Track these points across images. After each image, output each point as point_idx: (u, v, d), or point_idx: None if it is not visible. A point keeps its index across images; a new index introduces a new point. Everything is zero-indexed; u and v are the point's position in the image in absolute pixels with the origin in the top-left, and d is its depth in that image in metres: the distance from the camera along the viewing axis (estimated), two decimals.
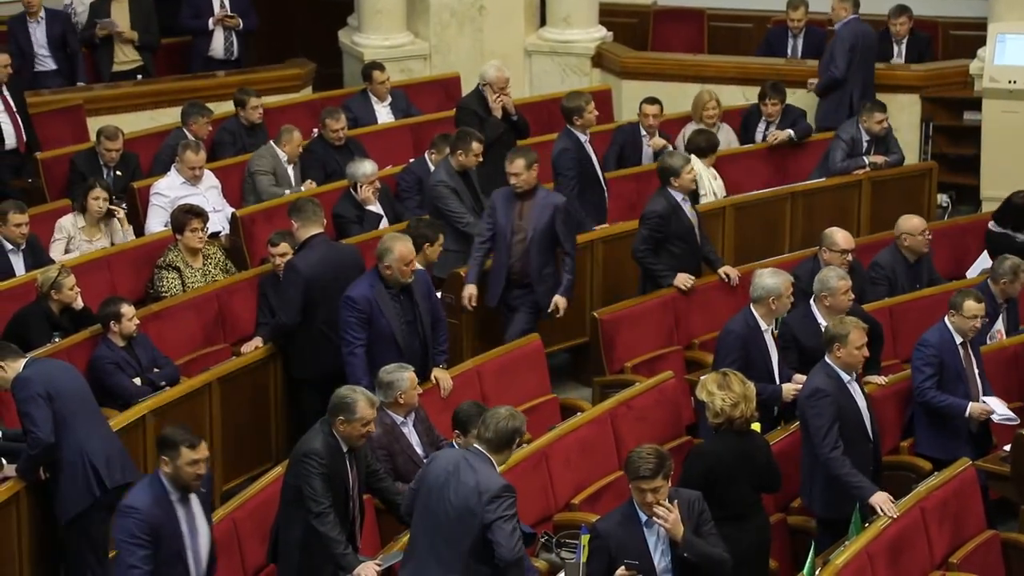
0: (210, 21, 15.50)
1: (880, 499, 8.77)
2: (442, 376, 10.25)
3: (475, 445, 8.01)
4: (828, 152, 13.50)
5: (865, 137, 13.42)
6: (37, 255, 11.57)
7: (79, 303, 10.75)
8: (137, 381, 10.36)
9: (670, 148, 13.49)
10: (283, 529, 8.46)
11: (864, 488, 8.84)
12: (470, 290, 11.33)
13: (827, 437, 8.92)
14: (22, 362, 9.09)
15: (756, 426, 8.85)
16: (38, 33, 14.88)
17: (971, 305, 9.92)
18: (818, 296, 10.04)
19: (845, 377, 9.13)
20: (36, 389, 8.92)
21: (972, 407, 9.83)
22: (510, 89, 13.40)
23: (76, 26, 15.31)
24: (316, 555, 8.33)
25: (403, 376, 9.30)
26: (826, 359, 9.20)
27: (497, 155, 12.76)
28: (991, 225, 12.65)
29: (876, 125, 13.35)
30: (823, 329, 9.41)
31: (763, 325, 9.86)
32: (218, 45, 15.63)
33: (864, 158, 13.40)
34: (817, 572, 8.16)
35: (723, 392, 8.56)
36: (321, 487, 8.24)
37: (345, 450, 8.42)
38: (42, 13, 14.83)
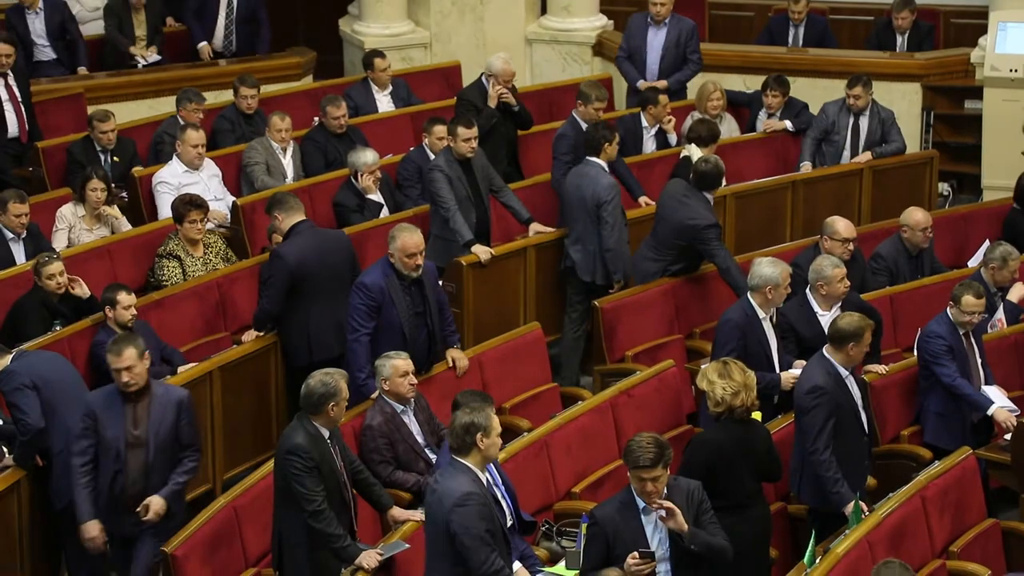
0: (209, 45, 15.49)
1: (849, 510, 8.79)
2: (458, 356, 10.30)
3: (453, 457, 7.82)
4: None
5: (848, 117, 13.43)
6: (38, 243, 11.57)
7: (85, 291, 10.74)
8: None
9: (673, 136, 13.55)
10: (286, 533, 8.43)
11: (843, 496, 8.88)
12: (92, 530, 8.75)
13: (819, 437, 8.93)
14: (8, 358, 9.15)
15: (757, 415, 8.86)
16: (36, 24, 14.90)
17: (969, 300, 9.93)
18: (814, 285, 10.07)
19: (843, 372, 9.13)
20: (21, 380, 9.00)
21: (997, 413, 9.87)
22: (514, 82, 13.37)
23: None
24: (324, 553, 8.34)
25: (387, 363, 9.35)
26: (825, 353, 9.19)
27: (492, 145, 12.78)
28: (1016, 205, 12.56)
29: (852, 99, 13.34)
30: (831, 321, 9.40)
31: (761, 314, 9.85)
32: (218, 39, 15.64)
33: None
34: (818, 560, 8.17)
35: (724, 381, 8.57)
36: (312, 483, 8.23)
37: (327, 436, 8.43)
38: (40, 4, 14.84)
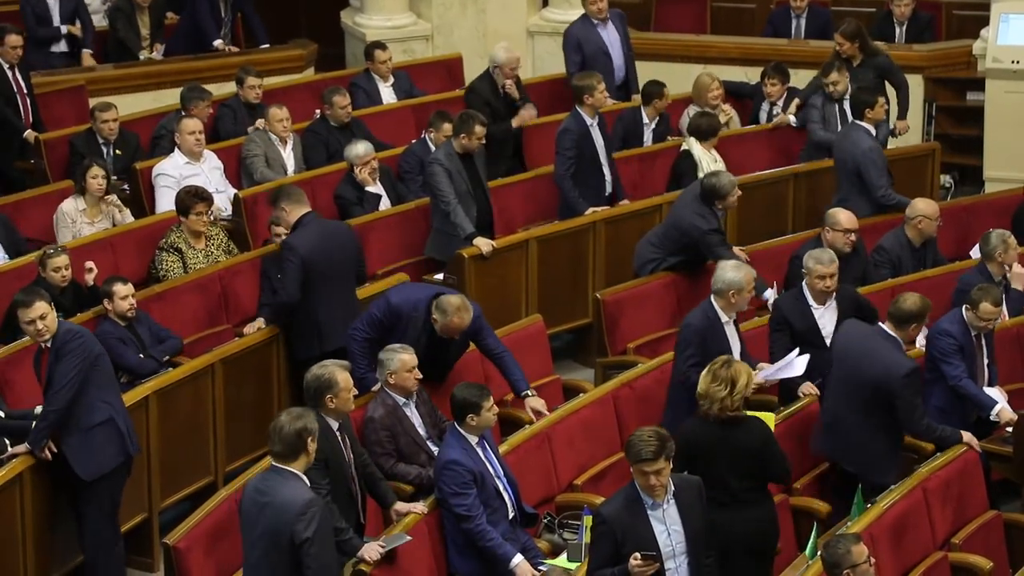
0: (216, 43, 15.55)
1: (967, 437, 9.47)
2: (539, 406, 9.83)
3: (275, 464, 7.70)
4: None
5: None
6: (9, 233, 11.60)
7: (89, 281, 10.76)
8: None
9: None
10: None
11: (955, 432, 9.50)
12: None
13: (921, 412, 9.36)
14: (56, 319, 9.07)
15: (767, 415, 8.84)
16: (54, 9, 15.10)
17: (987, 307, 9.89)
18: (804, 277, 10.09)
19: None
20: (89, 350, 8.93)
21: (1002, 414, 9.87)
22: (518, 71, 13.35)
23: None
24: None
25: (394, 357, 9.32)
26: (893, 334, 9.39)
27: (492, 143, 12.86)
28: None
29: (830, 87, 13.28)
30: (894, 302, 9.53)
31: (724, 317, 9.74)
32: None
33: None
34: (820, 553, 8.17)
35: (708, 377, 8.57)
36: (316, 476, 8.18)
37: (336, 428, 8.44)
38: None
